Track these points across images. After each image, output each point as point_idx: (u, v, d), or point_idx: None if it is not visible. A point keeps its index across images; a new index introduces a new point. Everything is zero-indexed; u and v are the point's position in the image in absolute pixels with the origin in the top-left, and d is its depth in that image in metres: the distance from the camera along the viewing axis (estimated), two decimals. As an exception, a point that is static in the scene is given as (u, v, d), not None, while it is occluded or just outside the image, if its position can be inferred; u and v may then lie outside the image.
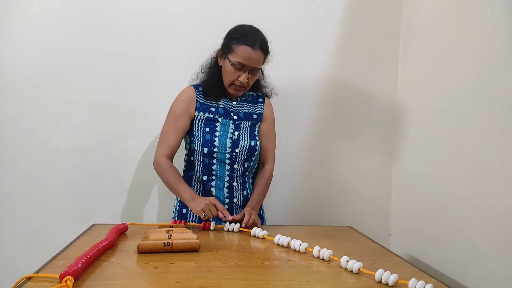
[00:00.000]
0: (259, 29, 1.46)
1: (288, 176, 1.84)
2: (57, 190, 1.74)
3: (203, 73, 1.53)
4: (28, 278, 0.85)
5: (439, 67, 1.54)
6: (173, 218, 1.53)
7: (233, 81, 1.44)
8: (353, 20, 1.86)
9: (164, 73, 1.78)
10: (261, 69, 1.49)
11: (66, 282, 0.78)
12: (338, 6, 1.84)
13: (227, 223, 1.37)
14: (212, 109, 1.50)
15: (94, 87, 1.75)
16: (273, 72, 1.60)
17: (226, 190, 1.48)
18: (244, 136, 1.50)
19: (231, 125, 1.49)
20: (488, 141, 1.24)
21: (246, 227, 1.36)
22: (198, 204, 1.34)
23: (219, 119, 1.49)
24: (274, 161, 1.60)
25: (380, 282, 0.91)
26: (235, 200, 1.49)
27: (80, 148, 1.75)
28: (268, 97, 1.61)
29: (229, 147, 1.46)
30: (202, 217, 1.34)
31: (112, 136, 1.76)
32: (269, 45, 1.46)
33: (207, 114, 1.48)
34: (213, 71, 1.50)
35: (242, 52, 1.39)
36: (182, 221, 1.40)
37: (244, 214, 1.40)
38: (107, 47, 1.74)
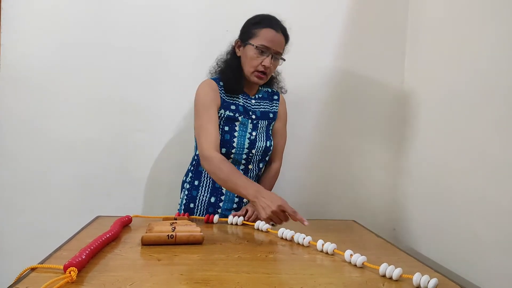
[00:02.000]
0: None
1: (292, 170, 1.83)
2: (63, 182, 1.75)
3: (219, 66, 1.50)
4: (32, 269, 0.85)
5: (446, 60, 1.52)
6: (177, 211, 1.53)
7: (256, 67, 1.40)
8: (360, 12, 1.84)
9: (171, 67, 1.77)
10: (282, 57, 1.45)
11: (70, 273, 0.78)
12: (344, -1, 1.83)
13: (231, 216, 1.37)
14: (233, 107, 1.46)
15: (101, 81, 1.75)
16: (280, 66, 1.58)
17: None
18: (261, 136, 1.48)
19: (249, 124, 1.47)
20: (495, 135, 1.22)
21: (249, 221, 1.36)
22: (264, 209, 1.16)
23: (239, 118, 1.45)
24: (282, 159, 1.60)
25: (384, 276, 0.91)
26: (245, 199, 1.47)
27: (86, 141, 1.75)
28: (283, 92, 1.60)
29: (246, 148, 1.44)
30: (269, 224, 1.24)
31: (118, 129, 1.76)
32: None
33: (227, 113, 1.43)
34: (232, 62, 1.45)
35: (265, 34, 1.38)
36: (186, 214, 1.40)
37: (246, 210, 1.40)
38: (114, 42, 1.74)
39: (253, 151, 1.46)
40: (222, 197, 1.46)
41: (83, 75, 1.74)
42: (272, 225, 1.16)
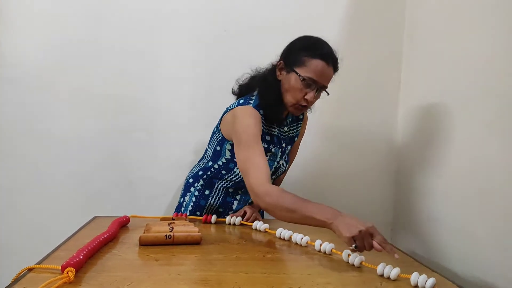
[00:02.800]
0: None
1: (290, 170, 1.83)
2: (60, 182, 1.75)
3: (257, 85, 1.35)
4: (30, 269, 0.84)
5: (444, 60, 1.52)
6: (175, 211, 1.53)
7: (299, 100, 1.26)
8: (357, 13, 1.84)
9: (169, 66, 1.78)
10: (327, 90, 1.31)
11: (67, 273, 0.78)
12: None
13: (228, 217, 1.36)
14: (268, 137, 1.36)
15: (99, 81, 1.75)
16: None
17: (247, 204, 1.47)
18: (284, 162, 1.45)
19: (279, 153, 1.40)
20: (493, 135, 1.23)
21: (248, 222, 1.35)
22: (349, 228, 0.97)
23: (272, 150, 1.36)
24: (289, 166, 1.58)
25: (382, 276, 0.91)
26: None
27: (84, 140, 1.75)
28: (309, 111, 1.49)
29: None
30: (351, 246, 0.97)
31: (116, 129, 1.77)
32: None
33: (264, 144, 1.32)
34: (273, 88, 1.30)
35: (316, 67, 1.22)
36: (184, 214, 1.39)
37: (244, 211, 1.40)
38: (113, 41, 1.75)
39: (274, 176, 1.44)
40: (231, 212, 1.45)
41: (81, 74, 1.74)
42: (355, 247, 0.96)
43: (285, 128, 1.42)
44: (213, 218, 1.36)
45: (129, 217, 1.30)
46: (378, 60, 1.87)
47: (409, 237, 1.72)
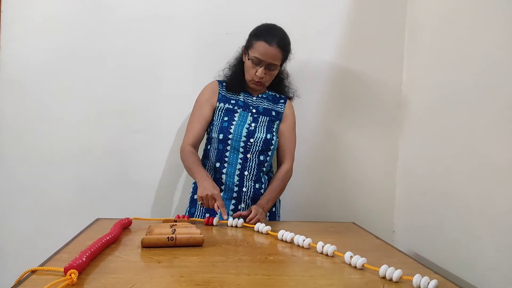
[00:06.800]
0: (283, 29, 1.52)
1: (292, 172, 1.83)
2: (62, 184, 1.75)
3: (229, 69, 1.60)
4: (33, 271, 0.85)
5: (445, 60, 1.52)
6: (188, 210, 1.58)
7: (252, 76, 1.51)
8: (359, 12, 1.84)
9: (170, 69, 1.78)
10: (281, 67, 1.55)
11: (70, 275, 0.78)
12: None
13: (231, 218, 1.37)
14: (232, 101, 1.57)
15: (100, 84, 1.75)
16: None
17: (236, 177, 1.51)
18: (261, 129, 1.54)
19: (249, 117, 1.55)
20: (494, 136, 1.23)
21: (250, 223, 1.36)
22: (203, 189, 1.34)
23: (238, 110, 1.55)
24: (292, 161, 1.62)
25: (384, 277, 0.91)
26: (244, 189, 1.51)
27: (85, 143, 1.75)
28: (290, 99, 1.66)
29: (244, 136, 1.51)
30: (199, 203, 1.37)
31: (117, 131, 1.76)
32: (291, 45, 1.52)
33: (227, 105, 1.55)
34: (237, 67, 1.57)
35: (259, 47, 1.46)
36: (186, 216, 1.40)
37: (251, 211, 1.41)
38: (113, 44, 1.74)
39: (252, 141, 1.51)
40: (221, 193, 1.52)
41: (82, 77, 1.74)
42: (201, 203, 1.34)
43: (254, 98, 1.59)
44: (215, 220, 1.37)
45: (131, 219, 1.30)
46: (379, 63, 1.86)
47: (411, 239, 1.72)
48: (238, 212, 1.43)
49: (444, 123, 1.50)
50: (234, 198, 1.51)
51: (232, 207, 1.51)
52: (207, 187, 1.34)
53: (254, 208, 1.41)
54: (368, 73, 1.87)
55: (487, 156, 1.25)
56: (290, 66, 1.63)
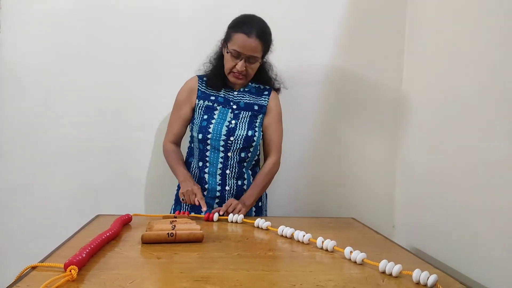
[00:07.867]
0: (263, 19, 1.45)
1: (291, 168, 1.83)
2: (62, 181, 1.75)
3: (210, 63, 1.56)
4: (33, 268, 0.85)
5: (445, 59, 1.52)
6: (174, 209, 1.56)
7: (231, 69, 1.47)
8: (358, 11, 1.84)
9: (169, 66, 1.78)
10: (262, 59, 1.49)
11: (70, 271, 0.79)
12: (343, -3, 1.83)
13: (231, 214, 1.37)
14: (212, 97, 1.54)
15: (99, 81, 1.75)
16: (278, 63, 1.60)
17: (218, 177, 1.50)
18: (242, 126, 1.50)
19: (229, 113, 1.51)
20: (493, 134, 1.23)
21: (227, 213, 1.37)
22: (184, 186, 1.40)
23: (218, 107, 1.52)
24: (279, 155, 1.57)
25: (384, 272, 0.91)
26: (227, 188, 1.50)
27: (85, 140, 1.75)
28: (276, 90, 1.60)
29: (224, 135, 1.48)
30: (181, 199, 1.41)
31: (117, 128, 1.77)
32: (271, 36, 1.47)
33: (206, 102, 1.53)
34: (217, 61, 1.53)
35: (237, 39, 1.41)
36: (186, 212, 1.40)
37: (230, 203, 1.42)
38: (113, 42, 1.74)
39: (232, 139, 1.48)
40: (205, 192, 1.51)
41: (81, 75, 1.74)
42: (183, 199, 1.40)
43: (235, 93, 1.55)
44: (215, 216, 1.37)
45: (131, 216, 1.30)
46: (379, 62, 1.86)
47: (410, 234, 1.72)
48: (217, 208, 1.41)
49: (443, 121, 1.50)
50: (217, 197, 1.50)
51: (216, 206, 1.50)
52: (188, 184, 1.40)
53: (229, 200, 1.43)
54: (368, 72, 1.86)
55: (486, 152, 1.25)
56: (291, 64, 1.62)
